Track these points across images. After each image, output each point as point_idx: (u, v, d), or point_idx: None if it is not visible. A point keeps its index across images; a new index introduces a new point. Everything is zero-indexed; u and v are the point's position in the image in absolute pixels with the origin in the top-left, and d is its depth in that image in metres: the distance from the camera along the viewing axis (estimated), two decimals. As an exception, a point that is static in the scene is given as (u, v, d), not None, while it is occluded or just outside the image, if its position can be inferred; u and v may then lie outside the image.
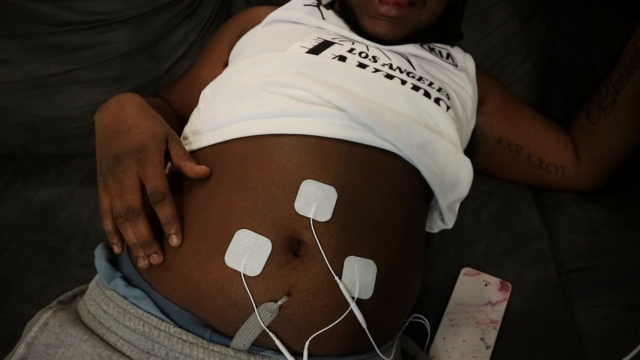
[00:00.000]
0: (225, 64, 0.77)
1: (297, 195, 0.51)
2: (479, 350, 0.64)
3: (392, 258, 0.54)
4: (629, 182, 0.82)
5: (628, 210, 0.78)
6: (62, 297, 0.57)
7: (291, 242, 0.50)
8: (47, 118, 0.81)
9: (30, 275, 0.70)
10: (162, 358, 0.48)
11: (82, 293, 0.59)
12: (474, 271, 0.72)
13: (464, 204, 0.75)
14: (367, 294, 0.50)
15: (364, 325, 0.49)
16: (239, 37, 0.78)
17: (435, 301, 0.69)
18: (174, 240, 0.50)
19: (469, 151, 0.77)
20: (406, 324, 0.63)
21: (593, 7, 0.80)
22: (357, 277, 0.50)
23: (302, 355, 0.47)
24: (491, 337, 0.65)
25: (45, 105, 0.80)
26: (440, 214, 0.71)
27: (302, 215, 0.51)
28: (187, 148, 0.61)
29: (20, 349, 0.49)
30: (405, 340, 0.63)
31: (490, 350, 0.64)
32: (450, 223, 0.72)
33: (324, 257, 0.49)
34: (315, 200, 0.51)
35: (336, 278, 0.49)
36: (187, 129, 0.65)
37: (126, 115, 0.54)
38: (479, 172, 0.78)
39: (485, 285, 0.70)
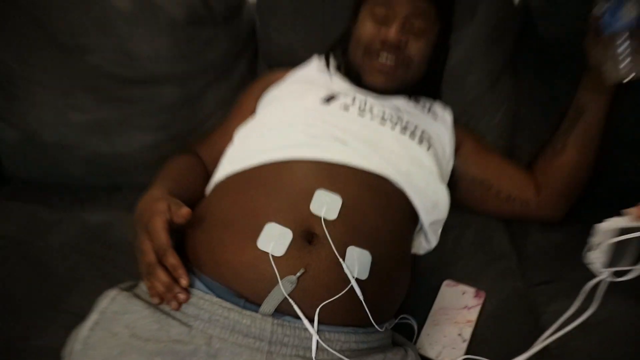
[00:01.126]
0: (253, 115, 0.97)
1: (312, 200, 0.68)
2: (457, 342, 0.77)
3: (384, 252, 0.69)
4: (586, 214, 0.98)
5: (584, 236, 0.93)
6: (121, 285, 0.72)
7: (307, 233, 0.66)
8: (106, 154, 1.00)
9: (86, 278, 0.84)
10: (206, 320, 0.62)
11: (135, 286, 0.73)
12: (453, 282, 0.86)
13: (446, 232, 0.91)
14: (363, 275, 0.65)
15: (361, 297, 0.64)
16: (263, 92, 0.97)
17: (421, 307, 0.82)
18: (183, 282, 0.61)
19: (450, 189, 0.93)
20: (397, 320, 0.76)
21: (546, 72, 1.01)
22: (356, 261, 0.66)
23: (313, 321, 0.62)
24: (467, 333, 0.78)
25: (105, 144, 0.99)
26: (426, 236, 0.87)
27: (315, 215, 0.67)
28: (224, 172, 0.79)
29: (94, 316, 0.63)
30: (396, 335, 0.77)
31: (466, 343, 0.77)
32: (433, 243, 0.88)
33: (331, 245, 0.65)
34: (326, 204, 0.68)
35: (340, 260, 0.64)
36: (224, 160, 0.83)
37: (142, 206, 0.70)
38: (459, 207, 0.95)
39: (463, 293, 0.84)
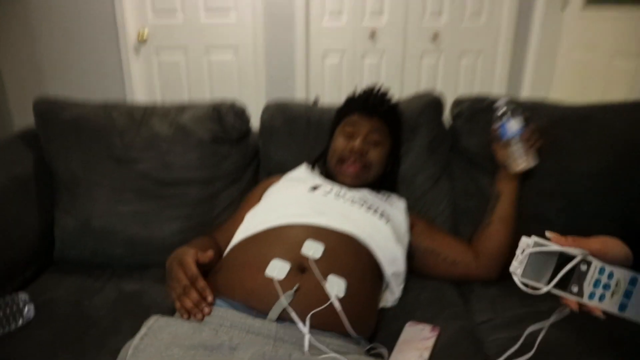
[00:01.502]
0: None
1: (303, 246, 0.97)
2: (418, 362, 0.99)
3: (355, 282, 0.96)
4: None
5: (514, 289, 1.19)
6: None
7: (300, 267, 0.94)
8: (142, 238, 1.28)
9: (124, 328, 1.06)
10: (228, 326, 0.86)
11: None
12: (414, 322, 1.09)
13: (407, 292, 1.17)
14: (341, 294, 0.91)
15: (338, 308, 0.89)
16: (265, 190, 1.30)
17: (389, 343, 1.04)
18: (209, 299, 0.89)
19: (410, 259, 1.22)
20: (369, 345, 0.99)
21: (473, 172, 1.37)
22: (335, 285, 0.92)
23: (305, 325, 0.86)
24: (426, 355, 1.00)
25: (142, 230, 1.28)
26: (390, 288, 1.13)
27: (305, 255, 0.95)
28: (237, 239, 1.08)
29: (143, 330, 0.87)
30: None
31: (425, 362, 0.99)
32: (397, 294, 1.14)
33: (317, 273, 0.92)
34: (312, 249, 0.97)
35: (324, 283, 0.91)
36: (237, 233, 1.13)
37: (174, 255, 0.99)
38: (418, 275, 1.23)
39: (422, 329, 1.07)
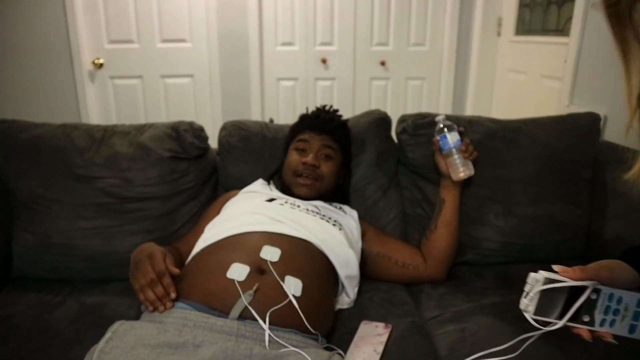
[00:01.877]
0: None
1: (262, 251, 1.04)
2: (373, 355, 1.06)
3: (311, 282, 1.03)
4: (462, 275, 1.37)
5: (460, 288, 1.30)
6: (124, 321, 0.99)
7: (259, 269, 1.00)
8: (103, 252, 1.30)
9: (87, 339, 1.08)
10: (191, 327, 0.91)
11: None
12: (368, 321, 1.17)
13: (362, 294, 1.25)
14: (298, 293, 0.98)
15: (296, 305, 0.96)
16: (223, 205, 1.37)
17: (347, 339, 1.12)
18: (173, 295, 0.95)
19: (363, 264, 1.31)
20: (326, 345, 1.06)
21: (419, 182, 1.49)
22: (292, 284, 0.99)
23: (265, 322, 0.92)
24: (380, 348, 1.07)
25: (104, 244, 1.30)
26: (345, 291, 1.21)
27: (264, 258, 1.02)
28: (198, 248, 1.13)
29: (108, 334, 0.90)
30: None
31: (379, 355, 1.06)
32: (351, 296, 1.22)
33: (275, 275, 0.99)
34: (270, 253, 1.04)
35: (281, 282, 0.98)
36: (198, 243, 1.18)
37: (144, 247, 1.05)
38: (371, 279, 1.31)
39: (376, 327, 1.15)
